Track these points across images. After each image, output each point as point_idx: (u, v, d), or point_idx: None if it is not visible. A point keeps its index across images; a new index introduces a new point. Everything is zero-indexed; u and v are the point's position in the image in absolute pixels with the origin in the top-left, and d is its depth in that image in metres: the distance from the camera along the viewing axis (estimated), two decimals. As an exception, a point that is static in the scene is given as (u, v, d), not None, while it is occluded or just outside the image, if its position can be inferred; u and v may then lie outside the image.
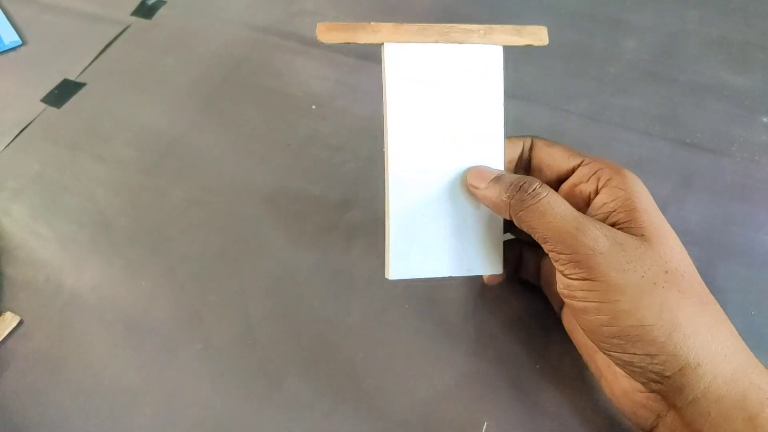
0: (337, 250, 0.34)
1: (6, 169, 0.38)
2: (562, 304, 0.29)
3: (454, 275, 0.26)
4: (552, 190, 0.24)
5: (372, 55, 0.44)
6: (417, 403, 0.29)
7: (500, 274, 0.27)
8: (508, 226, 0.28)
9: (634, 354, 0.22)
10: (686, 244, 0.24)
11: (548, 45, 0.45)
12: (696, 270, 0.24)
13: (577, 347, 0.28)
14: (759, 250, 0.34)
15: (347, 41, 0.25)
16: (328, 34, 0.24)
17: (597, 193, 0.25)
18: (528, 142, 0.27)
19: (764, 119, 0.40)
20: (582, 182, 0.26)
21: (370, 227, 0.35)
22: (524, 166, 0.28)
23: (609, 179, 0.25)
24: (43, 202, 0.36)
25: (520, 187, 0.24)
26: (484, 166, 0.26)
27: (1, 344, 0.31)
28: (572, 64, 0.43)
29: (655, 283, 0.22)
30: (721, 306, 0.24)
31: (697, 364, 0.21)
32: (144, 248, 0.34)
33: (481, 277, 0.31)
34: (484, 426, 0.28)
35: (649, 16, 0.47)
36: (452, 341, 0.30)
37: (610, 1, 0.48)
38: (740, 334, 0.23)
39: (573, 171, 0.26)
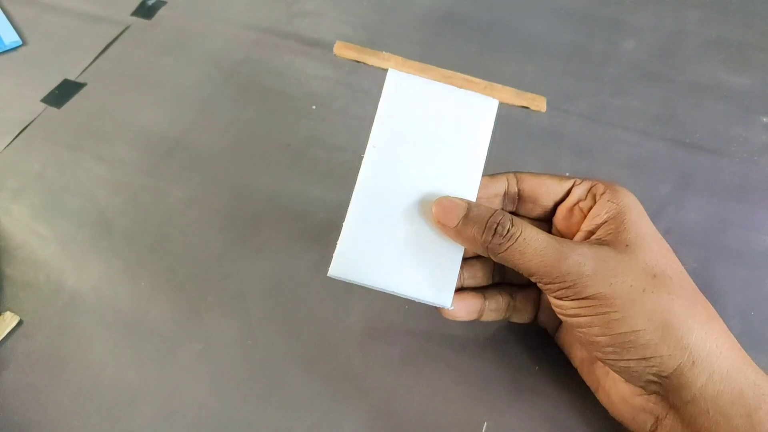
0: (336, 250, 0.34)
1: (6, 169, 0.38)
2: (556, 327, 0.29)
3: (397, 293, 0.25)
4: (525, 224, 0.24)
5: (372, 56, 0.44)
6: (416, 403, 0.29)
7: (452, 310, 0.26)
8: (498, 268, 0.29)
9: (630, 360, 0.22)
10: (685, 244, 0.24)
11: (548, 45, 0.45)
12: (686, 272, 0.24)
13: (573, 362, 0.28)
14: (758, 250, 0.34)
15: (357, 60, 0.27)
16: (343, 50, 0.27)
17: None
18: (511, 176, 0.27)
19: (763, 119, 0.40)
20: (581, 200, 0.26)
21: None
22: (512, 199, 0.28)
23: (603, 193, 0.25)
24: (43, 202, 0.37)
25: (495, 231, 0.23)
26: (450, 198, 0.25)
27: (1, 344, 0.31)
28: (571, 65, 0.44)
29: (644, 290, 0.22)
30: (720, 306, 0.24)
31: (693, 362, 0.21)
32: (144, 248, 0.34)
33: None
34: (484, 426, 0.28)
35: (648, 17, 0.47)
36: (452, 342, 0.31)
37: (609, 1, 0.48)
38: (739, 335, 0.23)
39: (567, 194, 0.27)
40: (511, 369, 0.30)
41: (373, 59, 0.27)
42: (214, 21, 0.47)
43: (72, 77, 0.43)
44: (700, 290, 0.24)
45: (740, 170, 0.37)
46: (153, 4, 0.49)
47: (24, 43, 0.46)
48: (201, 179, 0.37)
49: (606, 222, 0.25)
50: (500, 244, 0.23)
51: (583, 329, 0.23)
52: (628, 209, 0.24)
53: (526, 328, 0.31)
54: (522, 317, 0.29)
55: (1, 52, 0.45)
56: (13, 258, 0.34)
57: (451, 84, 0.27)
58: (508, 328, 0.31)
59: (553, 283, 0.23)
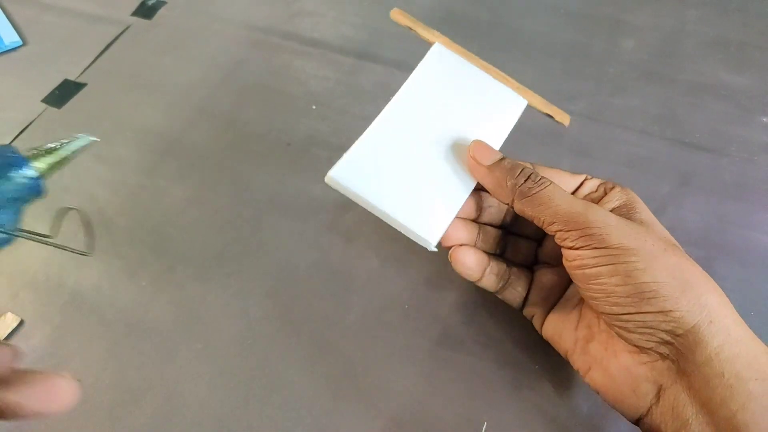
0: (336, 250, 0.34)
1: (6, 169, 0.38)
2: (545, 313, 0.28)
3: (389, 216, 0.25)
4: (553, 182, 0.25)
5: (371, 55, 0.44)
6: (416, 403, 0.29)
7: (462, 257, 0.27)
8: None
9: (648, 312, 0.22)
10: (684, 243, 0.25)
11: (547, 45, 0.45)
12: None
13: (561, 349, 0.27)
14: (757, 249, 0.34)
15: (409, 28, 0.29)
16: (399, 17, 0.29)
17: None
18: (528, 165, 0.28)
19: (763, 119, 0.40)
20: (592, 192, 0.28)
21: (369, 227, 0.35)
22: None
23: (613, 188, 0.27)
24: (43, 202, 0.36)
25: (528, 176, 0.25)
26: (488, 144, 0.27)
27: (2, 343, 0.31)
28: (571, 64, 0.44)
29: (665, 249, 0.23)
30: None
31: (710, 321, 0.22)
32: (144, 248, 0.34)
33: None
34: (484, 426, 0.28)
35: (647, 16, 0.47)
36: (451, 341, 0.31)
37: (608, 1, 0.48)
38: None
39: (578, 187, 0.28)
40: (511, 368, 0.30)
41: (423, 31, 0.29)
42: (213, 21, 0.47)
43: (72, 77, 0.43)
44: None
45: (740, 170, 0.37)
46: (153, 4, 0.49)
47: (24, 43, 0.46)
48: (201, 178, 0.37)
49: (619, 207, 0.26)
50: (530, 188, 0.25)
51: (602, 279, 0.23)
52: (637, 200, 0.26)
53: (527, 326, 0.31)
54: (513, 293, 0.29)
55: (1, 52, 0.45)
56: (13, 257, 0.34)
57: (488, 73, 0.29)
58: (508, 326, 0.31)
59: (576, 230, 0.23)
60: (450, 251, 0.28)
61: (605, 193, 0.27)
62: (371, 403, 0.29)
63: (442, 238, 0.26)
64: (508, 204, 0.26)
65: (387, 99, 0.28)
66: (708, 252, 0.33)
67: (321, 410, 0.29)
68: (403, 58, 0.44)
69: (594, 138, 0.39)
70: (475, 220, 0.29)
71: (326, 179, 0.25)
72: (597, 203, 0.27)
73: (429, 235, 0.25)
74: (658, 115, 0.40)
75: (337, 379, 0.30)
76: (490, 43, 0.45)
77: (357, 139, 0.26)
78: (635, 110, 0.41)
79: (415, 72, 0.28)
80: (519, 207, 0.25)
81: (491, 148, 0.27)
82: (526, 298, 0.29)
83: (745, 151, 0.38)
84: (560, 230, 0.24)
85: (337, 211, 0.36)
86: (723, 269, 0.33)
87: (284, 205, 0.36)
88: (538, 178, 0.25)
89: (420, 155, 0.26)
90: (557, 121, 0.28)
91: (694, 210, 0.35)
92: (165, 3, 0.49)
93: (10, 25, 0.47)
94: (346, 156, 0.26)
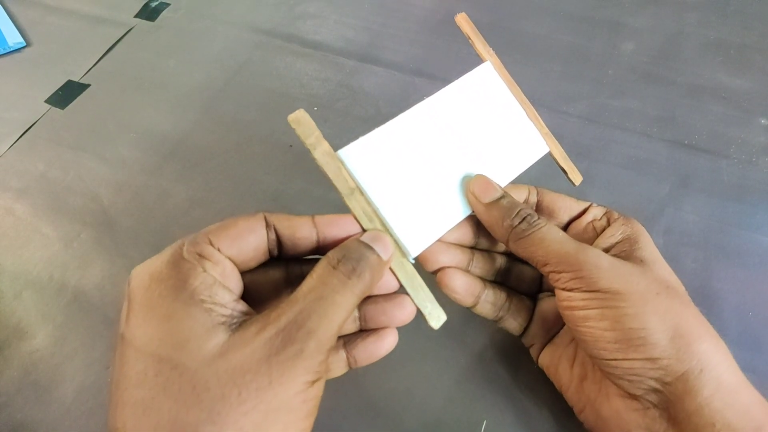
0: (337, 250, 0.34)
1: (10, 169, 0.39)
2: (543, 345, 0.28)
3: (380, 212, 0.25)
4: (549, 222, 0.25)
5: (372, 58, 0.45)
6: (416, 403, 0.29)
7: (452, 284, 0.27)
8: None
9: (635, 359, 0.22)
10: (683, 245, 0.25)
11: (547, 47, 0.45)
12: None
13: (557, 383, 0.27)
14: (756, 251, 0.34)
15: (468, 37, 0.29)
16: (464, 23, 0.29)
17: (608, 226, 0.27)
18: (533, 189, 0.28)
19: (762, 121, 0.40)
20: (596, 219, 0.28)
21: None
22: (531, 208, 0.28)
23: (617, 218, 0.27)
24: (47, 202, 0.37)
25: (524, 218, 0.25)
26: (489, 179, 0.26)
27: (5, 343, 0.31)
28: (571, 67, 0.44)
29: (658, 293, 0.22)
30: (718, 307, 0.24)
31: (701, 370, 0.21)
32: (147, 248, 0.34)
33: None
34: (484, 425, 0.28)
35: (647, 19, 0.47)
36: (452, 341, 0.31)
37: (608, 3, 0.48)
38: (738, 336, 0.24)
39: (582, 213, 0.28)
40: (510, 368, 0.30)
41: (480, 45, 0.29)
42: (216, 23, 0.48)
43: (76, 78, 0.44)
44: (699, 291, 0.24)
45: (739, 171, 0.37)
46: (156, 6, 0.49)
47: (28, 44, 0.47)
48: (204, 179, 0.38)
49: (621, 241, 0.26)
50: (524, 230, 0.24)
51: (591, 323, 0.23)
52: (641, 233, 0.26)
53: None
54: (513, 323, 0.28)
55: (5, 53, 0.46)
56: (17, 257, 0.34)
57: (524, 106, 0.29)
58: (508, 327, 0.31)
59: (567, 272, 0.23)
60: (437, 274, 0.27)
61: (608, 223, 0.27)
62: (371, 403, 0.29)
63: (426, 261, 0.26)
64: (503, 242, 0.26)
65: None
66: (707, 253, 0.34)
67: (321, 409, 0.29)
68: (404, 61, 0.44)
69: (593, 140, 0.39)
70: (473, 247, 0.29)
71: (337, 152, 0.25)
72: (600, 233, 0.26)
73: (410, 246, 0.25)
74: (658, 117, 0.41)
75: (338, 378, 0.30)
76: (490, 45, 0.45)
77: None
78: (635, 112, 0.41)
79: (456, 82, 0.28)
80: (513, 247, 0.25)
81: (492, 185, 0.26)
82: (526, 328, 0.29)
83: (745, 152, 0.38)
84: (552, 271, 0.24)
85: (339, 212, 0.36)
86: (722, 270, 0.33)
87: (286, 206, 0.36)
88: (534, 219, 0.25)
89: (429, 165, 0.26)
90: (568, 178, 0.29)
91: (693, 211, 0.36)
92: (168, 5, 0.49)
93: (14, 26, 0.47)
94: (362, 140, 0.25)
